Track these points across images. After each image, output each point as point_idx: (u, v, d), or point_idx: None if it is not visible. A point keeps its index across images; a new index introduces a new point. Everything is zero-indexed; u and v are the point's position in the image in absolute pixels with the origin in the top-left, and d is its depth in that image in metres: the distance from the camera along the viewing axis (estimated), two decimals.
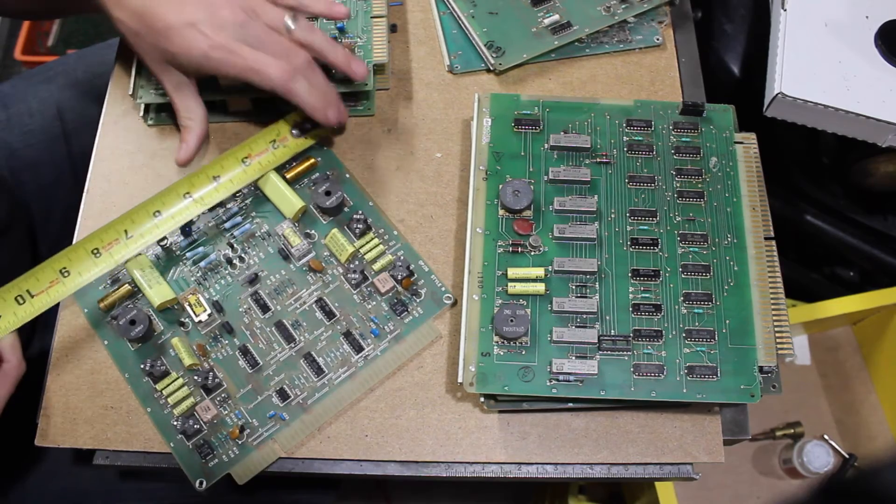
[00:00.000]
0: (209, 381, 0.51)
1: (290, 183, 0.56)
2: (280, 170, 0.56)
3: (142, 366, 0.51)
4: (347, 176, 0.58)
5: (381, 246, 0.55)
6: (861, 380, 0.91)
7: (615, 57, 0.63)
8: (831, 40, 0.62)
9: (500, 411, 0.52)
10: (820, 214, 0.82)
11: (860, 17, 0.63)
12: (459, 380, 0.49)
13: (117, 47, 0.64)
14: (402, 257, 0.55)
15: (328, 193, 0.55)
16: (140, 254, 0.53)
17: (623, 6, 0.62)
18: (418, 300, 0.54)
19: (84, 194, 0.58)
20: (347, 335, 0.53)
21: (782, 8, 0.63)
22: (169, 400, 0.51)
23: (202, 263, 0.54)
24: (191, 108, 0.55)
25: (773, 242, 0.53)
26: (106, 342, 0.53)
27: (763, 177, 0.54)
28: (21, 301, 0.50)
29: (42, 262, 0.76)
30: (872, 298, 0.83)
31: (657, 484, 0.76)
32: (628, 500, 0.90)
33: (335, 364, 0.52)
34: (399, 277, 0.54)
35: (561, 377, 0.48)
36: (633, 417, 0.51)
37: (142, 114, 0.60)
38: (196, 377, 0.51)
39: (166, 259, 0.55)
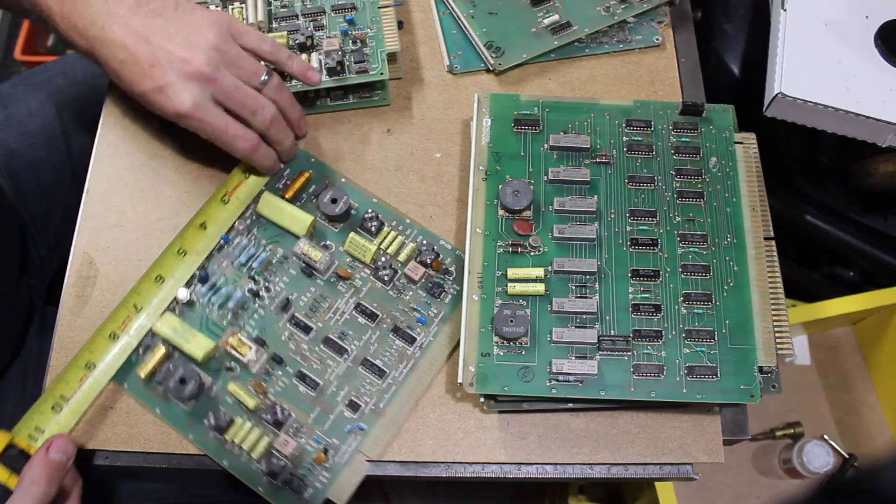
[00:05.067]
0: (279, 416, 0.50)
1: (291, 201, 0.56)
2: (276, 191, 0.56)
3: (205, 421, 0.50)
4: (343, 180, 0.57)
5: (400, 237, 0.55)
6: (861, 380, 0.91)
7: (615, 57, 0.63)
8: (831, 40, 0.62)
9: (500, 411, 0.51)
10: (820, 214, 0.82)
11: (860, 17, 0.63)
12: (459, 380, 0.49)
13: None
14: (424, 242, 0.55)
15: (334, 201, 0.55)
16: (164, 313, 0.53)
17: (623, 6, 0.62)
18: (451, 278, 0.54)
19: (84, 194, 0.58)
20: (396, 331, 0.53)
21: (782, 8, 0.63)
22: (243, 446, 0.50)
23: (230, 304, 0.53)
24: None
25: (773, 242, 0.53)
26: (158, 410, 0.51)
27: (763, 177, 0.54)
28: (58, 409, 0.50)
29: (44, 265, 0.76)
30: (872, 298, 0.83)
31: (657, 484, 0.76)
32: (628, 500, 0.90)
33: (393, 361, 0.52)
34: (428, 261, 0.54)
35: (561, 377, 0.48)
36: (632, 417, 0.51)
37: (157, 121, 0.60)
38: (264, 416, 0.50)
39: (191, 312, 0.54)
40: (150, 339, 0.53)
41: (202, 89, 0.51)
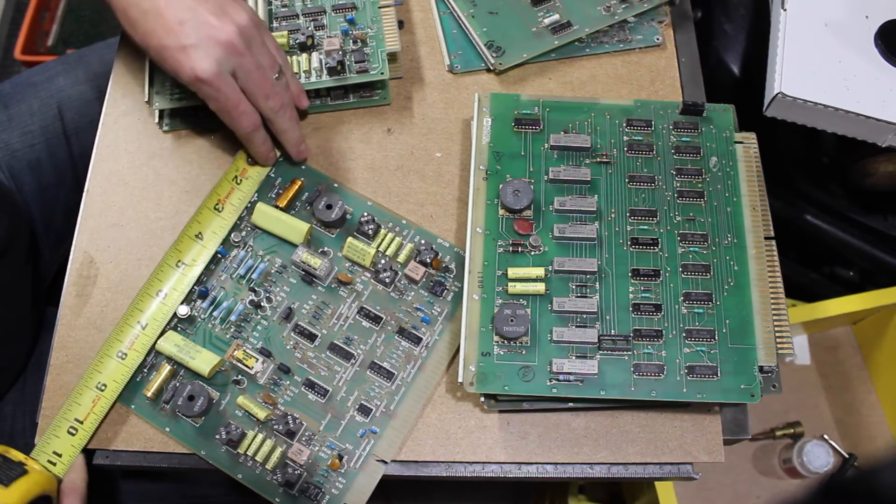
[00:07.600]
0: (291, 425, 0.50)
1: (285, 210, 0.56)
2: (269, 201, 0.56)
3: (217, 437, 0.50)
4: (336, 185, 0.57)
5: (398, 238, 0.55)
6: (861, 380, 0.91)
7: (615, 57, 0.63)
8: (831, 40, 0.62)
9: (500, 411, 0.52)
10: (820, 214, 0.82)
11: (860, 17, 0.63)
12: (459, 380, 0.49)
13: (117, 47, 0.64)
14: (422, 241, 0.55)
15: (329, 207, 0.55)
16: (166, 331, 0.53)
17: (623, 6, 0.62)
18: (452, 275, 0.54)
19: (84, 194, 0.58)
20: (401, 332, 0.53)
21: (782, 8, 0.63)
22: (257, 458, 0.50)
23: (232, 318, 0.53)
24: None
25: (773, 242, 0.53)
26: (168, 429, 0.51)
27: (763, 177, 0.54)
28: (73, 432, 0.50)
29: (46, 265, 0.76)
30: (872, 298, 0.83)
31: (657, 484, 0.76)
32: (628, 500, 0.90)
33: (401, 363, 0.52)
34: (428, 260, 0.54)
35: (561, 377, 0.48)
36: (633, 417, 0.51)
37: (157, 120, 0.60)
38: (276, 426, 0.50)
39: (194, 328, 0.53)
40: (153, 358, 0.53)
41: (227, 59, 0.50)
